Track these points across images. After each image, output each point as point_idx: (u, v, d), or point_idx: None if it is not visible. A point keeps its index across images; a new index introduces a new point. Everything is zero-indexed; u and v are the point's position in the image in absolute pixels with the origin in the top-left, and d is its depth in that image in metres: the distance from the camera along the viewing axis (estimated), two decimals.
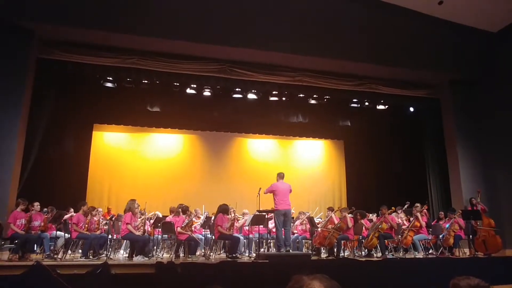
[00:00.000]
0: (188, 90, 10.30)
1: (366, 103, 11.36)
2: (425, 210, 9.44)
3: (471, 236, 8.75)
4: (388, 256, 8.33)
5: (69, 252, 7.85)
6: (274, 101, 11.00)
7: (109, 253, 7.68)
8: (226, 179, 12.63)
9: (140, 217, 7.92)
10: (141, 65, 9.21)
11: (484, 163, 10.50)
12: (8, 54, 8.00)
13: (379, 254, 8.59)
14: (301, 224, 9.56)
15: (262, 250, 8.98)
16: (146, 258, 7.33)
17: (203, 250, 8.46)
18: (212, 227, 8.34)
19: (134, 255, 7.38)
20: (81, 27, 8.22)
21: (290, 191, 7.92)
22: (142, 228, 7.79)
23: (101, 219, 8.49)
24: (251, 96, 10.66)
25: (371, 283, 6.13)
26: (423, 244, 9.06)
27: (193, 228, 8.32)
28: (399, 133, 12.57)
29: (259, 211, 8.11)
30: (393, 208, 9.38)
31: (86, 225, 7.67)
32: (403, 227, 9.02)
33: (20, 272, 5.34)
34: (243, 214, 9.40)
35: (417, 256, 8.75)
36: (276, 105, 11.26)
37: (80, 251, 8.07)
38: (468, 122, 10.74)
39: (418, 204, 9.26)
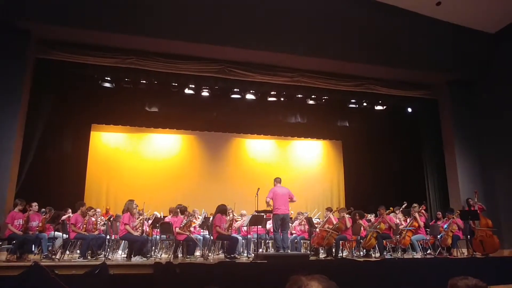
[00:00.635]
0: (187, 91, 10.30)
1: (364, 104, 11.38)
2: (423, 211, 9.46)
3: (469, 236, 8.77)
4: (386, 257, 8.34)
5: (67, 252, 7.82)
6: (273, 102, 11.01)
7: (107, 254, 7.66)
8: (225, 180, 12.63)
9: (139, 218, 7.91)
10: (139, 65, 9.20)
11: (482, 163, 10.54)
12: (6, 54, 7.99)
13: (377, 255, 8.60)
14: (300, 224, 9.56)
15: (260, 250, 8.98)
16: (145, 259, 7.32)
17: (201, 251, 8.45)
18: (210, 227, 8.34)
19: (132, 256, 7.37)
20: (79, 27, 8.21)
21: (291, 197, 7.92)
22: (140, 228, 7.78)
23: (99, 220, 8.47)
24: (250, 96, 10.66)
25: (370, 284, 6.15)
26: (421, 244, 9.07)
27: (191, 229, 8.32)
28: (397, 134, 12.59)
29: (257, 211, 8.11)
30: (391, 208, 9.39)
31: (84, 226, 7.65)
32: (401, 227, 9.02)
33: (18, 272, 5.32)
34: (242, 214, 9.41)
35: (415, 257, 8.76)
36: (275, 105, 11.26)
37: (78, 251, 8.05)
38: (466, 123, 10.77)
39: (416, 205, 9.27)
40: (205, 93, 10.44)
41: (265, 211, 8.26)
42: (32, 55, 8.51)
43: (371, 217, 9.88)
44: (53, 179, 10.03)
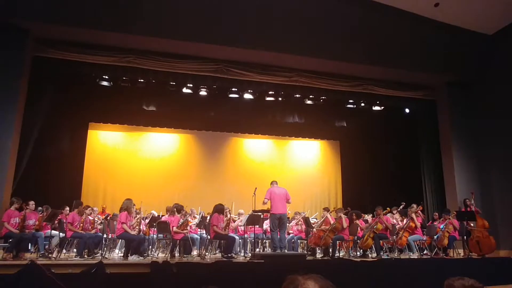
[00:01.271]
0: (184, 90, 10.29)
1: (362, 104, 11.39)
2: (419, 211, 9.48)
3: (465, 237, 8.80)
4: (383, 257, 8.36)
5: (64, 251, 7.81)
6: (270, 101, 11.01)
7: (104, 253, 7.65)
8: (222, 179, 12.63)
9: (135, 217, 7.90)
10: (137, 64, 9.18)
11: (479, 164, 10.57)
12: (4, 53, 7.96)
13: (374, 255, 8.62)
14: (297, 224, 9.57)
15: (257, 250, 8.99)
16: (141, 258, 7.32)
17: (198, 250, 8.45)
18: (207, 226, 8.34)
19: (129, 255, 7.36)
20: (77, 26, 8.19)
21: (288, 198, 7.93)
22: (137, 227, 7.77)
23: (96, 218, 8.46)
24: (247, 96, 10.66)
25: (366, 284, 6.15)
26: (417, 245, 9.10)
27: (188, 228, 8.31)
28: (395, 134, 12.62)
29: (254, 211, 8.11)
30: (388, 208, 9.42)
31: (81, 224, 7.63)
32: (398, 227, 9.05)
33: (14, 271, 5.31)
34: (239, 214, 9.41)
35: (411, 257, 8.78)
36: (272, 105, 11.27)
37: (75, 250, 8.04)
38: (463, 124, 10.81)
39: (414, 205, 9.30)
40: (203, 92, 10.43)
41: (262, 211, 8.27)
42: (30, 54, 8.48)
43: (368, 217, 9.90)
44: (50, 177, 10.00)
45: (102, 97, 10.54)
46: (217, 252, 8.91)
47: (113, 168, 11.74)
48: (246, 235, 8.85)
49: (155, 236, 8.58)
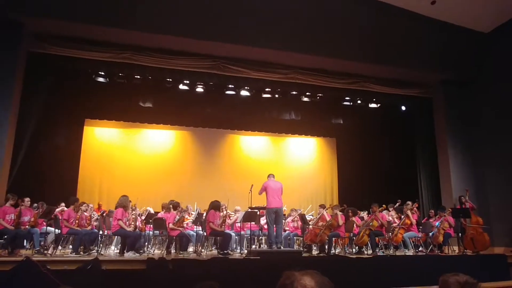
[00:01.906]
0: (181, 86, 10.26)
1: (359, 101, 11.42)
2: (415, 208, 9.53)
3: (460, 234, 8.85)
4: (378, 253, 8.40)
5: (60, 247, 7.79)
6: (267, 98, 11.00)
7: (100, 249, 7.63)
8: (218, 176, 12.62)
9: (131, 213, 7.89)
10: (133, 60, 9.14)
11: (474, 162, 10.63)
12: None
13: (370, 251, 8.67)
14: (293, 221, 9.60)
15: (253, 247, 9.00)
16: (137, 254, 7.31)
17: (194, 247, 8.45)
18: (204, 223, 8.33)
19: (125, 251, 7.35)
20: (73, 21, 8.13)
21: (282, 190, 7.95)
22: (133, 224, 7.76)
23: (92, 215, 8.44)
24: (244, 93, 10.66)
25: (362, 280, 6.19)
26: (413, 242, 9.14)
27: (184, 225, 8.31)
28: (391, 132, 12.65)
29: (251, 208, 8.12)
30: (384, 205, 9.46)
31: (77, 221, 7.62)
32: (394, 224, 9.09)
33: (10, 267, 5.30)
34: (235, 211, 9.42)
35: (407, 254, 8.83)
36: (269, 102, 11.26)
37: (70, 246, 8.02)
38: (459, 122, 10.86)
39: (409, 202, 9.34)
40: (199, 89, 10.41)
41: (258, 208, 8.27)
42: (25, 49, 8.43)
43: (364, 214, 9.94)
44: (46, 174, 9.95)
45: (98, 93, 10.49)
46: (213, 248, 8.91)
47: (109, 165, 11.70)
48: (242, 232, 8.86)
49: (151, 232, 8.57)
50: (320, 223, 8.63)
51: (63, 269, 5.59)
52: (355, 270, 6.65)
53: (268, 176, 8.17)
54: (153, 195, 10.86)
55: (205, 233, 8.26)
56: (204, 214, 8.45)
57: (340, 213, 8.73)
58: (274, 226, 7.77)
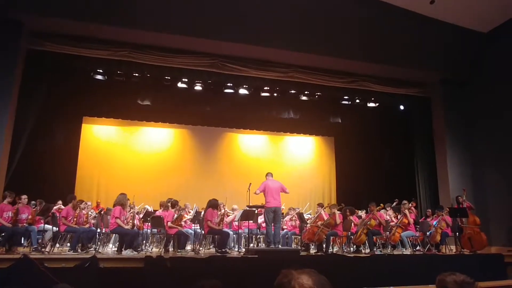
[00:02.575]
0: (180, 84, 10.25)
1: (357, 101, 11.43)
2: (413, 207, 9.55)
3: (457, 233, 8.88)
4: (376, 252, 8.43)
5: (57, 245, 7.77)
6: (266, 97, 11.01)
7: (97, 247, 7.63)
8: (217, 174, 12.62)
9: (129, 211, 7.88)
10: (132, 58, 9.11)
11: (472, 162, 10.65)
12: None
13: (367, 250, 8.68)
14: (291, 220, 9.61)
15: (251, 245, 9.02)
16: (135, 252, 7.30)
17: (192, 245, 8.45)
18: (202, 221, 8.34)
19: (123, 249, 7.35)
20: (72, 18, 8.10)
21: (283, 190, 7.96)
22: (131, 222, 7.76)
23: (90, 213, 8.43)
24: (243, 91, 10.65)
25: (359, 279, 6.19)
26: (410, 241, 9.17)
27: (182, 223, 8.32)
28: (389, 131, 12.67)
29: (248, 206, 8.13)
30: (381, 205, 9.47)
31: (75, 219, 7.60)
32: (391, 223, 9.11)
33: (7, 265, 5.29)
34: (233, 209, 9.42)
35: (404, 253, 8.86)
36: (268, 101, 11.27)
37: (68, 244, 8.01)
38: (457, 121, 10.87)
39: (406, 201, 9.36)
40: (198, 87, 10.40)
41: (256, 206, 8.28)
42: (24, 46, 8.39)
43: (362, 213, 9.96)
44: (44, 171, 9.95)
45: (97, 91, 10.48)
46: (211, 247, 8.92)
47: (107, 163, 11.69)
48: (240, 230, 8.87)
49: (149, 230, 8.57)
50: (318, 222, 8.64)
51: (61, 267, 5.60)
52: (353, 269, 6.66)
53: (266, 175, 8.19)
54: (151, 193, 10.85)
55: (203, 232, 8.27)
56: (202, 213, 8.46)
57: (338, 212, 8.75)
58: (272, 225, 7.78)
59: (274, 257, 7.05)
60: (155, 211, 8.84)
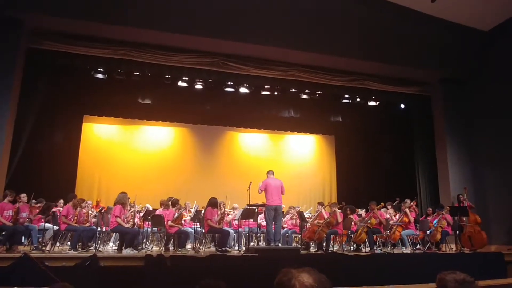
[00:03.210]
0: (180, 83, 10.25)
1: (358, 99, 11.42)
2: (413, 206, 9.55)
3: (457, 232, 8.88)
4: (376, 251, 8.42)
5: (58, 244, 7.78)
6: (266, 96, 11.00)
7: (98, 246, 7.64)
8: (217, 173, 12.62)
9: (130, 210, 7.88)
10: (132, 56, 9.11)
11: (472, 160, 10.64)
12: None
13: (368, 249, 8.68)
14: (291, 218, 9.61)
15: (251, 244, 9.02)
16: (136, 251, 7.31)
17: (192, 244, 8.46)
18: (202, 220, 8.35)
19: (123, 248, 7.35)
20: (72, 17, 8.10)
21: (283, 189, 7.95)
22: (131, 220, 7.76)
23: (90, 212, 8.44)
24: (243, 90, 10.65)
25: (359, 277, 6.19)
26: (411, 240, 9.17)
27: (183, 221, 8.32)
28: (390, 129, 12.66)
29: (249, 205, 8.12)
30: (382, 203, 9.47)
31: (75, 217, 7.61)
32: (392, 222, 9.11)
33: (8, 264, 5.30)
34: (233, 208, 9.42)
35: (404, 251, 8.85)
36: (268, 99, 11.26)
37: (68, 243, 8.02)
38: (458, 120, 10.86)
39: (407, 200, 9.35)
40: (198, 86, 10.40)
41: (256, 205, 8.28)
42: (24, 45, 8.39)
43: (362, 212, 9.95)
44: (44, 170, 9.95)
45: (97, 89, 10.47)
46: (211, 245, 8.93)
47: (107, 162, 11.69)
48: (240, 229, 8.87)
49: (149, 229, 8.58)
50: (318, 221, 8.63)
51: (61, 266, 5.61)
52: (353, 268, 6.66)
53: (267, 172, 8.15)
54: (152, 192, 10.86)
55: (203, 230, 8.27)
56: (203, 211, 8.46)
57: (339, 210, 8.74)
58: (273, 223, 7.78)
59: (274, 255, 7.05)
60: (155, 209, 8.84)
